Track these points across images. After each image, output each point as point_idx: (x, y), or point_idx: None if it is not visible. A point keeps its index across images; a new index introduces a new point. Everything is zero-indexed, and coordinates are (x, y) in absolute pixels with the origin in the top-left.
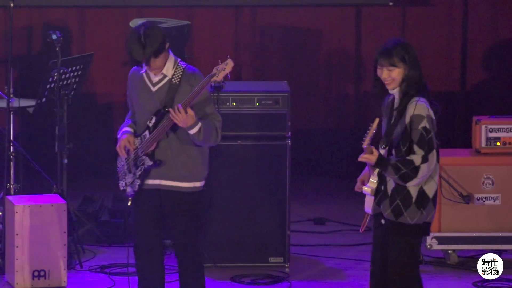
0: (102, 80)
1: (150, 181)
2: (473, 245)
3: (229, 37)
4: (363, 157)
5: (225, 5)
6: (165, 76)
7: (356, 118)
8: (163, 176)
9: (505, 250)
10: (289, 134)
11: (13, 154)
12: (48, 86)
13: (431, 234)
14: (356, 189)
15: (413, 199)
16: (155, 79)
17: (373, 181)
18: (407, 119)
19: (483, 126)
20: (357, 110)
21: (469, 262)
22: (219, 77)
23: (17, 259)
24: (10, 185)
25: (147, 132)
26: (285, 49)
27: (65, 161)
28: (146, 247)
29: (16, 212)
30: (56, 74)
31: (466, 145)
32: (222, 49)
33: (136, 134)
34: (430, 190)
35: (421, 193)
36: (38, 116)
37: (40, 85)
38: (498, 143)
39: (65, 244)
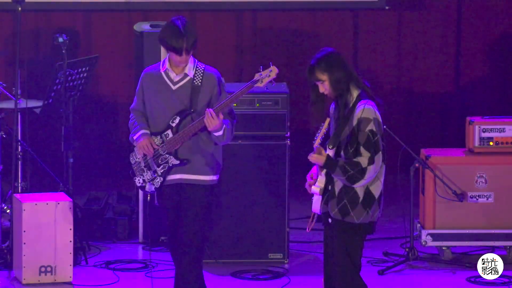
0: (107, 82)
1: (171, 177)
2: (467, 242)
3: (230, 40)
4: (312, 157)
5: (226, 9)
6: (186, 75)
7: None
8: (184, 171)
9: (498, 247)
10: (288, 134)
11: (20, 153)
12: (54, 87)
13: (426, 231)
14: (306, 186)
15: (360, 199)
16: (176, 78)
17: (322, 180)
18: (355, 121)
19: (477, 127)
20: None
21: (463, 258)
22: (263, 83)
23: (24, 255)
24: (18, 184)
25: (169, 131)
26: (285, 51)
27: (71, 160)
28: (177, 240)
29: (24, 210)
30: (62, 76)
31: (460, 145)
32: (223, 52)
33: (152, 133)
34: (375, 190)
35: (368, 193)
36: (45, 117)
37: (47, 86)
38: (491, 143)
39: (70, 241)
